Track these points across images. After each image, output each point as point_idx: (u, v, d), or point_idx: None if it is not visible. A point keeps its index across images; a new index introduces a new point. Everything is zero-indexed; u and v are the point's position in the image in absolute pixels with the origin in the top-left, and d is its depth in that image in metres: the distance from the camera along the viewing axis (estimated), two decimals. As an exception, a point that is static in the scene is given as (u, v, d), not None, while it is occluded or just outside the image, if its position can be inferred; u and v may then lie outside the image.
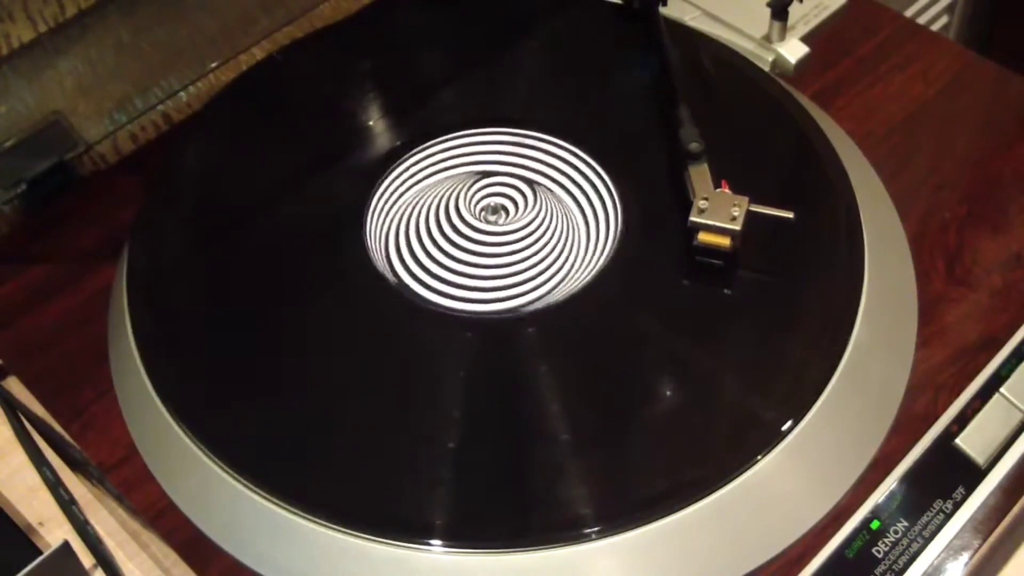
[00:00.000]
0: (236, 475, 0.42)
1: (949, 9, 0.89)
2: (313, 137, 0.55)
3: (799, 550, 0.41)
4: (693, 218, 0.46)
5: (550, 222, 0.50)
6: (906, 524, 0.42)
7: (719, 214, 0.46)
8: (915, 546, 0.41)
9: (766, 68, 0.56)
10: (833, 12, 0.59)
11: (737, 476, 0.41)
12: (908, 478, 0.43)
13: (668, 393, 0.45)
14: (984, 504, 0.42)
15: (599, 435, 0.43)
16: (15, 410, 0.49)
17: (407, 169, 0.52)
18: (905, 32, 0.59)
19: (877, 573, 0.40)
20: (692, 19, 0.59)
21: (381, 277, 0.48)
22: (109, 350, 0.49)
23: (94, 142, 0.58)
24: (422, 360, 0.46)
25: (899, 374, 0.45)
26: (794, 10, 0.56)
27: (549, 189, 0.51)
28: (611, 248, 0.48)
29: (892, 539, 0.41)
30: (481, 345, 0.46)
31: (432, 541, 0.40)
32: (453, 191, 0.52)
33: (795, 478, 0.42)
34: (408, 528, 0.40)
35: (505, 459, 0.42)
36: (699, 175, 0.48)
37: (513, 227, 0.50)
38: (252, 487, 0.42)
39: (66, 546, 0.43)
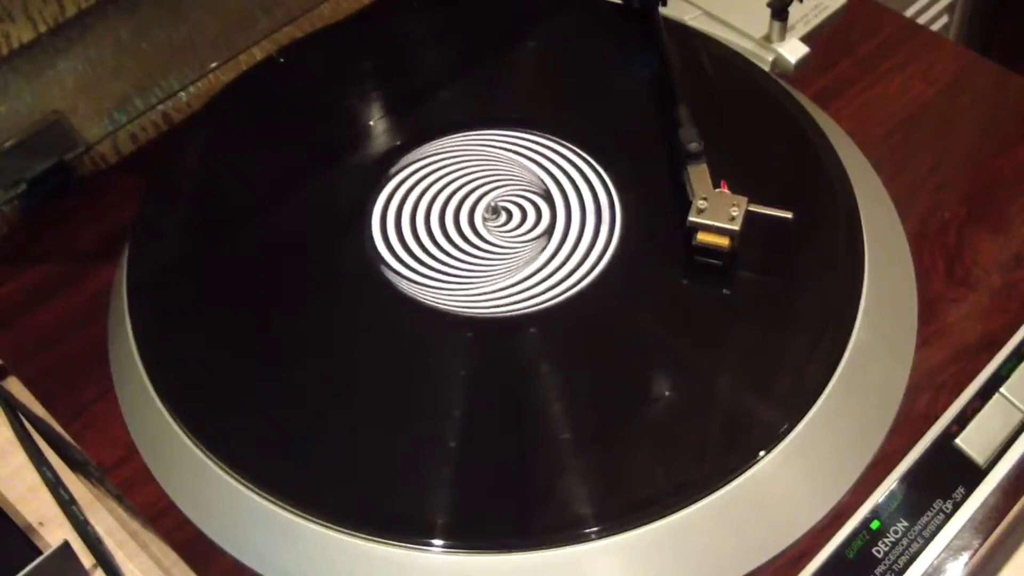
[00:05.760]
0: (236, 475, 0.42)
1: (949, 9, 0.89)
2: (313, 137, 0.55)
3: (799, 550, 0.41)
4: (692, 218, 0.46)
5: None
6: (906, 524, 0.42)
7: (718, 214, 0.46)
8: (915, 546, 0.41)
9: (766, 68, 0.56)
10: (833, 12, 0.59)
11: (737, 476, 0.41)
12: (908, 478, 0.43)
13: (668, 393, 0.45)
14: (984, 504, 0.42)
15: (599, 435, 0.43)
16: (15, 410, 0.49)
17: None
18: (905, 32, 0.59)
19: (877, 573, 0.40)
20: (692, 19, 0.59)
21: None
22: (109, 350, 0.49)
23: (94, 142, 0.58)
24: (423, 360, 0.46)
25: (899, 374, 0.45)
26: (794, 10, 0.56)
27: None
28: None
29: (892, 539, 0.41)
30: (482, 345, 0.46)
31: (432, 541, 0.40)
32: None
33: (795, 478, 0.42)
34: (408, 528, 0.40)
35: (505, 459, 0.42)
36: (698, 175, 0.48)
37: (513, 227, 0.50)
38: (252, 487, 0.42)
39: (66, 546, 0.43)
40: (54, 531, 0.48)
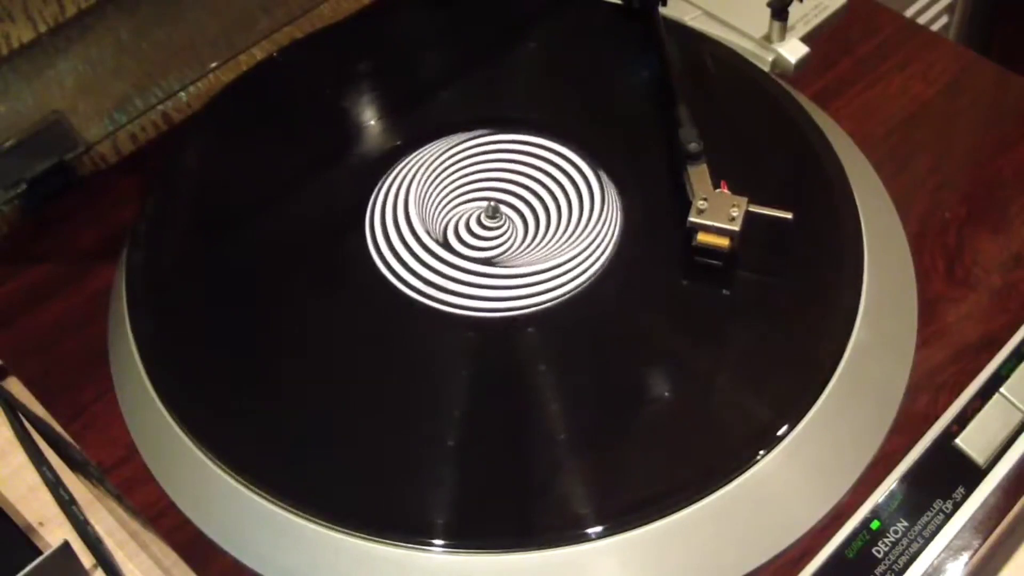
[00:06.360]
0: (236, 475, 0.42)
1: (949, 9, 0.89)
2: (313, 137, 0.55)
3: (799, 550, 0.41)
4: (692, 218, 0.46)
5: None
6: (906, 524, 0.42)
7: (718, 214, 0.46)
8: (915, 546, 0.41)
9: (766, 68, 0.56)
10: (833, 12, 0.59)
11: (737, 476, 0.41)
12: (908, 478, 0.43)
13: (668, 393, 0.45)
14: (984, 504, 0.42)
15: (599, 435, 0.43)
16: (15, 410, 0.49)
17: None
18: (905, 32, 0.59)
19: (877, 573, 0.40)
20: (692, 19, 0.59)
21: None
22: (109, 350, 0.49)
23: (94, 142, 0.58)
24: (423, 360, 0.46)
25: (899, 374, 0.45)
26: (794, 10, 0.56)
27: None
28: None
29: (892, 539, 0.41)
30: (482, 345, 0.46)
31: (432, 541, 0.40)
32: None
33: (795, 478, 0.42)
34: (408, 528, 0.40)
35: (505, 459, 0.42)
36: (698, 175, 0.48)
37: (513, 228, 0.50)
38: (252, 487, 0.42)
39: (66, 546, 0.43)
40: (54, 531, 0.48)
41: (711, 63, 0.56)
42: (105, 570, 0.45)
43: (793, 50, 0.57)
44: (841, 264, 0.47)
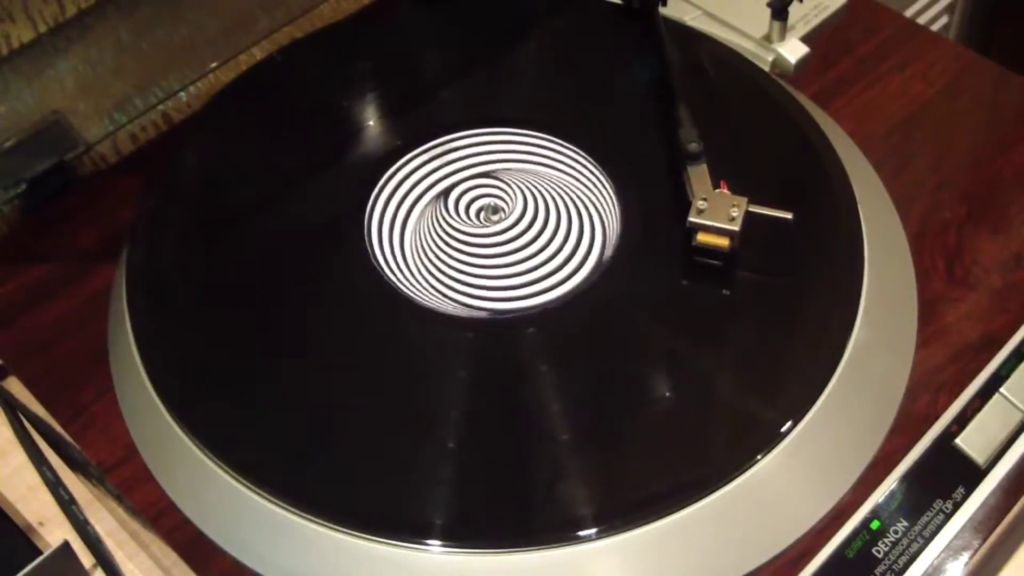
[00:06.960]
0: (236, 475, 0.42)
1: (949, 9, 0.89)
2: (313, 137, 0.55)
3: (799, 550, 0.41)
4: (692, 219, 0.46)
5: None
6: (906, 524, 0.42)
7: (718, 214, 0.46)
8: (915, 546, 0.41)
9: (766, 68, 0.56)
10: (833, 12, 0.59)
11: (737, 476, 0.41)
12: (908, 478, 0.43)
13: (668, 393, 0.45)
14: (984, 504, 0.42)
15: (599, 435, 0.43)
16: (15, 410, 0.49)
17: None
18: (905, 32, 0.59)
19: (877, 573, 0.40)
20: (692, 19, 0.59)
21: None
22: (109, 350, 0.49)
23: (94, 142, 0.58)
24: (423, 360, 0.46)
25: (899, 374, 0.45)
26: (794, 10, 0.56)
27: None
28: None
29: (892, 539, 0.41)
30: (481, 345, 0.46)
31: (432, 541, 0.40)
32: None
33: (795, 478, 0.42)
34: (408, 528, 0.40)
35: (505, 459, 0.42)
36: (698, 175, 0.48)
37: (513, 227, 0.50)
38: (252, 487, 0.42)
39: (66, 546, 0.43)
40: (54, 531, 0.48)
41: (711, 63, 0.56)
42: (105, 570, 0.45)
43: (793, 50, 0.57)
44: (841, 264, 0.47)
